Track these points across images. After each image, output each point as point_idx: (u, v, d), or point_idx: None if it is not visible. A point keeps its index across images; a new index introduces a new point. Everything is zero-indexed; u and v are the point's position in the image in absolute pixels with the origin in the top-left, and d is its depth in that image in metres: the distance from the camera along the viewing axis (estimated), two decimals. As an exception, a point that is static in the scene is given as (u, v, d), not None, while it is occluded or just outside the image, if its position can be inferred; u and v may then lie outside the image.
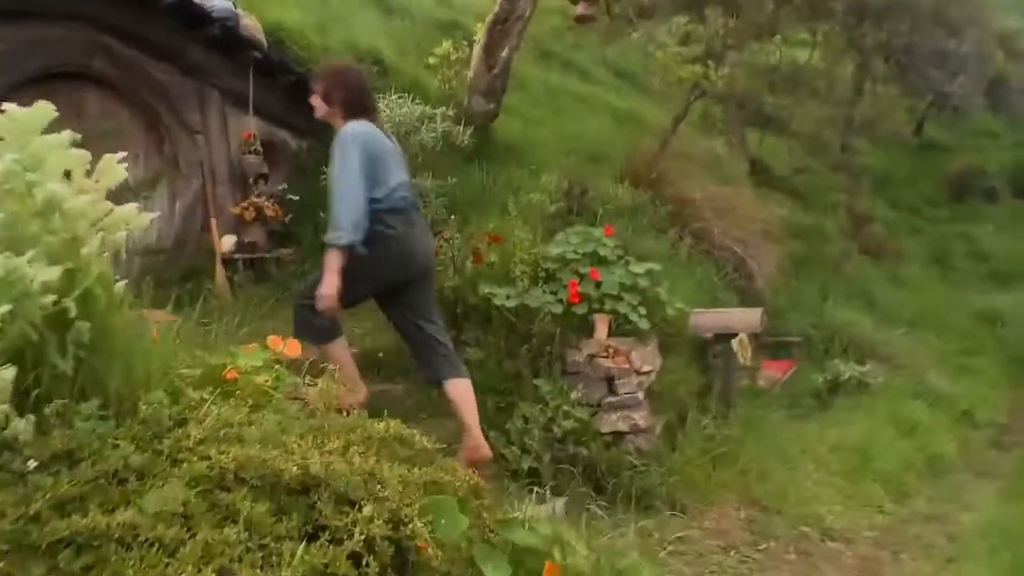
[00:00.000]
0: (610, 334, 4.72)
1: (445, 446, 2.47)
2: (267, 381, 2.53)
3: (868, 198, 12.08)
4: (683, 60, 7.00)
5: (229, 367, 2.50)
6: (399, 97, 6.06)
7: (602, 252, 5.13)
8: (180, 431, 2.13)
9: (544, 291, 4.81)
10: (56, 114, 2.29)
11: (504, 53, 6.74)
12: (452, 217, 5.75)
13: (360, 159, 3.54)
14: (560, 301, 4.76)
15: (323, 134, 6.78)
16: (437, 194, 5.93)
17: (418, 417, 4.53)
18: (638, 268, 5.06)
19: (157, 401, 2.21)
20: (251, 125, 6.45)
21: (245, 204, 6.18)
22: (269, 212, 6.21)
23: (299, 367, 3.99)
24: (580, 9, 7.83)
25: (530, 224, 5.85)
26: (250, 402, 2.46)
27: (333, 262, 3.47)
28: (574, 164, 6.84)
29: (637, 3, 8.01)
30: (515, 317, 4.78)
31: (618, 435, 4.40)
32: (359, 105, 3.80)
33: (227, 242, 6.10)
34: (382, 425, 2.34)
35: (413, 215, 3.86)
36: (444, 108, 6.18)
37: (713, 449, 4.47)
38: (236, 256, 6.09)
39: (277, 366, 2.69)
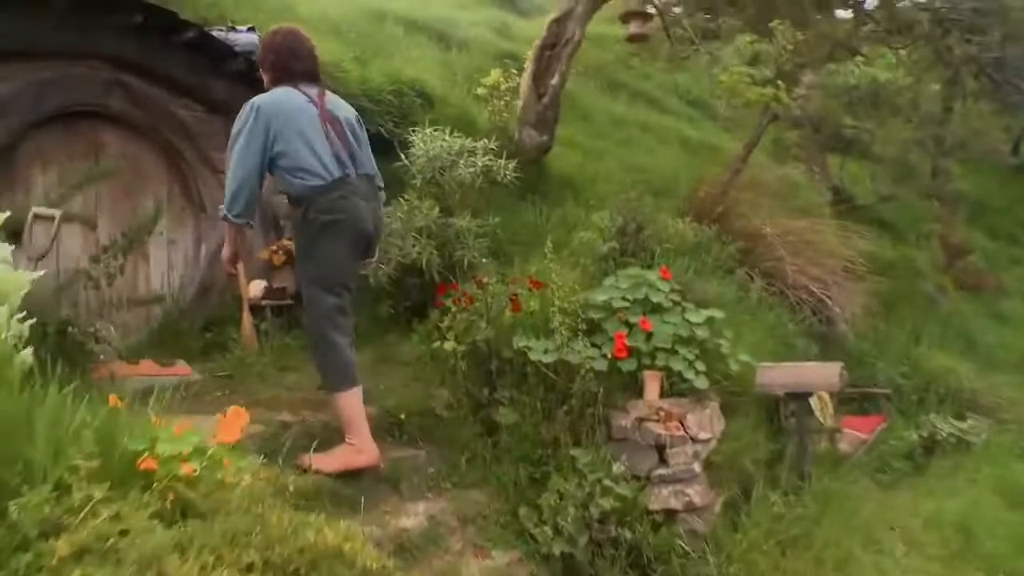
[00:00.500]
0: (662, 394, 4.11)
1: (402, 566, 1.91)
2: (194, 471, 2.03)
3: (963, 227, 11.09)
4: (753, 82, 6.38)
5: (145, 455, 2.01)
6: (435, 130, 5.60)
7: (655, 298, 4.54)
8: (47, 543, 1.66)
9: (587, 344, 4.23)
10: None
11: (554, 80, 6.25)
12: (486, 260, 5.25)
13: (254, 129, 3.45)
14: (605, 356, 4.18)
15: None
16: (476, 234, 5.43)
17: (441, 487, 4.02)
18: (696, 316, 4.44)
19: (33, 502, 1.74)
20: (285, 163, 6.10)
21: (274, 247, 5.80)
22: (300, 256, 5.81)
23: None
24: (632, 28, 7.30)
25: (581, 266, 5.31)
26: (169, 499, 1.97)
27: (225, 234, 3.79)
28: (631, 198, 6.29)
29: (699, 25, 7.43)
30: (554, 374, 4.22)
31: (669, 514, 3.76)
32: (284, 69, 3.64)
33: (255, 288, 5.71)
34: (319, 535, 1.80)
35: (354, 185, 3.59)
36: (486, 141, 5.69)
37: (783, 531, 3.76)
38: (265, 303, 5.69)
39: (213, 450, 2.20)
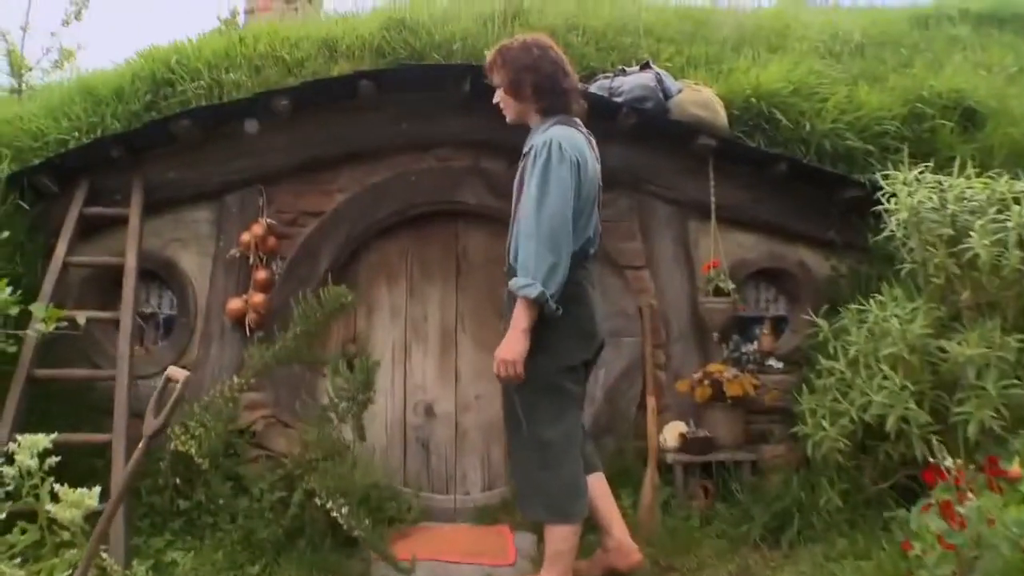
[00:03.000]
0: None
1: None
2: None
3: None
4: None
5: None
6: (925, 169, 3.10)
7: None
8: None
9: None
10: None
11: None
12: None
13: (565, 178, 2.69)
14: None
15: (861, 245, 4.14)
16: (1003, 372, 2.76)
17: None
18: None
19: None
20: (737, 245, 4.20)
21: (699, 375, 3.91)
22: (733, 390, 3.80)
23: None
24: None
25: None
26: None
27: (521, 318, 2.68)
28: None
29: None
30: None
31: None
32: (556, 94, 2.85)
33: (671, 433, 3.91)
34: None
35: (595, 267, 3.04)
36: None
37: None
38: (679, 458, 3.84)
39: None
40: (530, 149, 2.82)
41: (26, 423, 3.70)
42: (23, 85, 5.20)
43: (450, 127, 4.03)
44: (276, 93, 3.79)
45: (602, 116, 3.72)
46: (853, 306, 3.30)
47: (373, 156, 4.07)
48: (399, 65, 3.80)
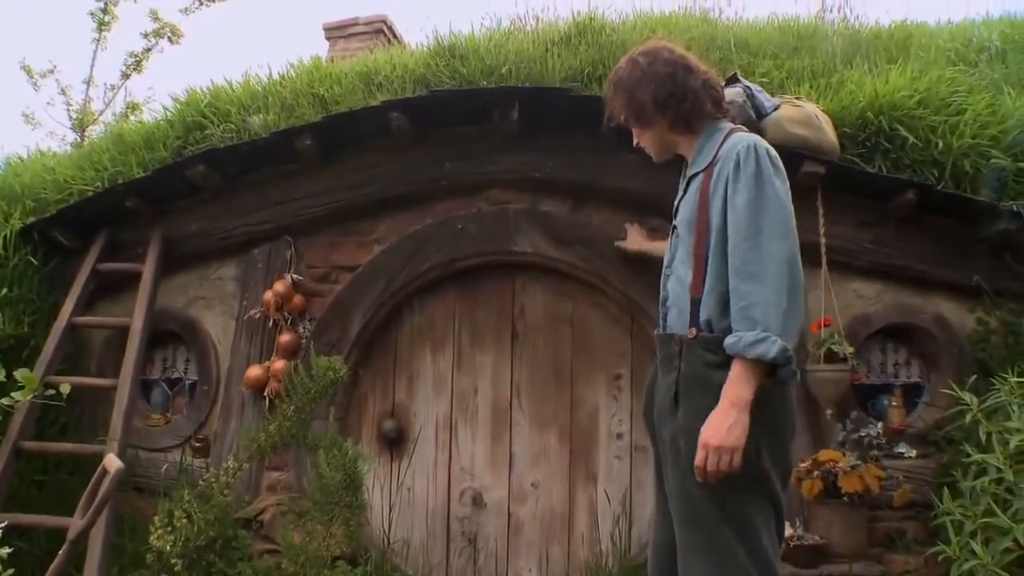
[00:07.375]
0: None
1: None
2: None
3: None
4: None
5: None
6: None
7: None
8: None
9: None
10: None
11: None
12: None
13: (788, 195, 1.90)
14: None
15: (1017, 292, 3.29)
16: None
17: None
18: None
19: None
20: (856, 296, 3.41)
21: (806, 464, 3.10)
22: (850, 484, 2.98)
23: None
24: None
25: None
26: None
27: (744, 387, 1.80)
28: None
29: None
30: None
31: None
32: (680, 97, 2.09)
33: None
34: None
35: None
36: None
37: None
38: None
39: None
40: (710, 164, 2.02)
41: (25, 497, 3.33)
42: (86, 139, 5.03)
43: (502, 165, 3.48)
44: (297, 131, 3.34)
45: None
46: (1013, 378, 2.46)
47: (415, 201, 3.56)
48: (430, 92, 3.26)
